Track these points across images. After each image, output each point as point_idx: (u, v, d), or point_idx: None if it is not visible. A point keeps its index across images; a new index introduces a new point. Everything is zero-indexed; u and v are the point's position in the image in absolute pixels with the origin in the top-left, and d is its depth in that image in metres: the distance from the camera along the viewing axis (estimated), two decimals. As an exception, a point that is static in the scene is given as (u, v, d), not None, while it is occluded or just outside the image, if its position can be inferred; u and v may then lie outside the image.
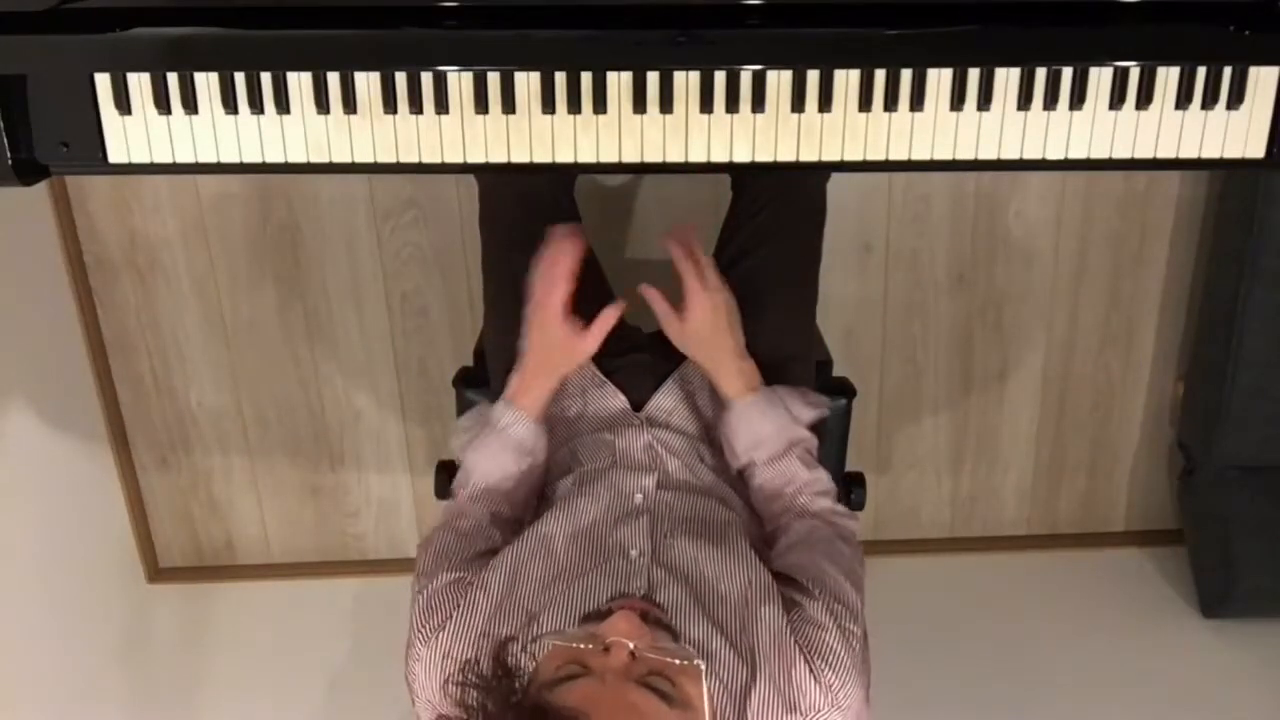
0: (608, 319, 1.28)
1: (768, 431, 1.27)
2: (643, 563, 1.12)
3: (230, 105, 1.08)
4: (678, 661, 0.94)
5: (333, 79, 1.07)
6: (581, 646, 0.94)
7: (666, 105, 1.07)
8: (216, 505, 2.23)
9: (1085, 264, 2.07)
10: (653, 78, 1.07)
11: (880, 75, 1.07)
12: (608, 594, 1.08)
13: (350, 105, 1.07)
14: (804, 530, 1.21)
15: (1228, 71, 1.07)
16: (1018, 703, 1.91)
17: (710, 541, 1.16)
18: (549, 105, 1.07)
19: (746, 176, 1.50)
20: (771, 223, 1.43)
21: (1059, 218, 2.04)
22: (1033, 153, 1.10)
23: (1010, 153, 1.10)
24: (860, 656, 1.07)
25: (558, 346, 1.28)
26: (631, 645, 0.93)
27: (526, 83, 1.07)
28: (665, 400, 1.39)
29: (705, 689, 0.95)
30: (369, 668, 2.01)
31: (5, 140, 1.06)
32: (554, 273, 1.25)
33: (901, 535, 2.28)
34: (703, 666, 0.96)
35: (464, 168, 1.11)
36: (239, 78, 1.07)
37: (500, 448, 1.28)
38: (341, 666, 2.03)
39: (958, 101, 1.08)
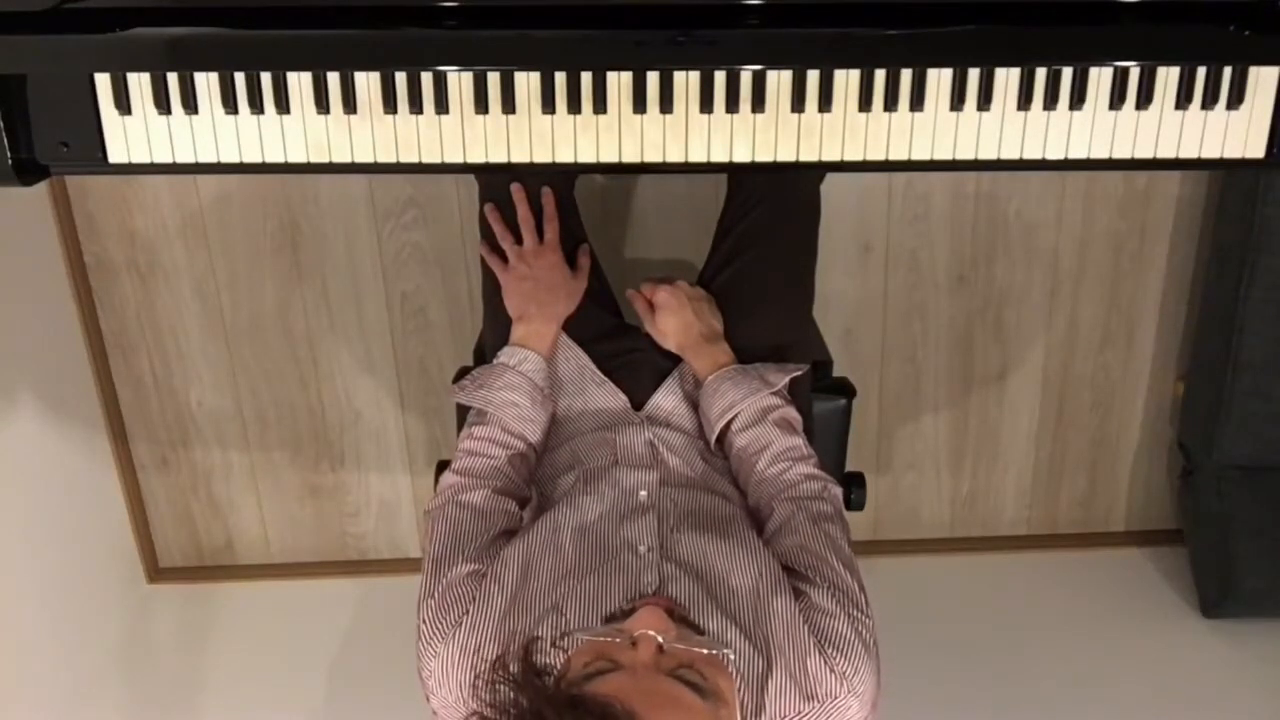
0: (585, 255, 1.40)
1: (737, 397, 1.30)
2: (652, 558, 1.12)
3: (230, 105, 1.08)
4: (705, 652, 0.94)
5: (333, 79, 1.07)
6: (609, 640, 0.94)
7: (666, 105, 1.07)
8: (216, 505, 2.23)
9: (1085, 264, 2.07)
10: (653, 78, 1.07)
11: (880, 75, 1.07)
12: (619, 589, 1.08)
13: (350, 105, 1.08)
14: (787, 513, 1.21)
15: (1228, 71, 1.07)
16: (1017, 702, 1.91)
17: (717, 535, 1.16)
18: (549, 105, 1.07)
19: (742, 174, 1.50)
20: (766, 220, 1.43)
21: (1059, 218, 2.03)
22: (1033, 153, 1.10)
23: (1010, 153, 1.10)
24: (871, 640, 1.07)
25: (561, 287, 1.32)
26: (659, 638, 0.93)
27: (526, 83, 1.07)
28: (665, 399, 1.39)
29: (733, 680, 0.94)
30: (369, 668, 2.01)
31: (5, 140, 1.06)
32: (534, 221, 1.35)
33: (901, 535, 2.28)
34: (731, 656, 0.95)
35: (464, 168, 1.11)
36: (239, 78, 1.07)
37: (512, 381, 1.29)
38: (341, 666, 2.03)
39: (958, 101, 1.08)
